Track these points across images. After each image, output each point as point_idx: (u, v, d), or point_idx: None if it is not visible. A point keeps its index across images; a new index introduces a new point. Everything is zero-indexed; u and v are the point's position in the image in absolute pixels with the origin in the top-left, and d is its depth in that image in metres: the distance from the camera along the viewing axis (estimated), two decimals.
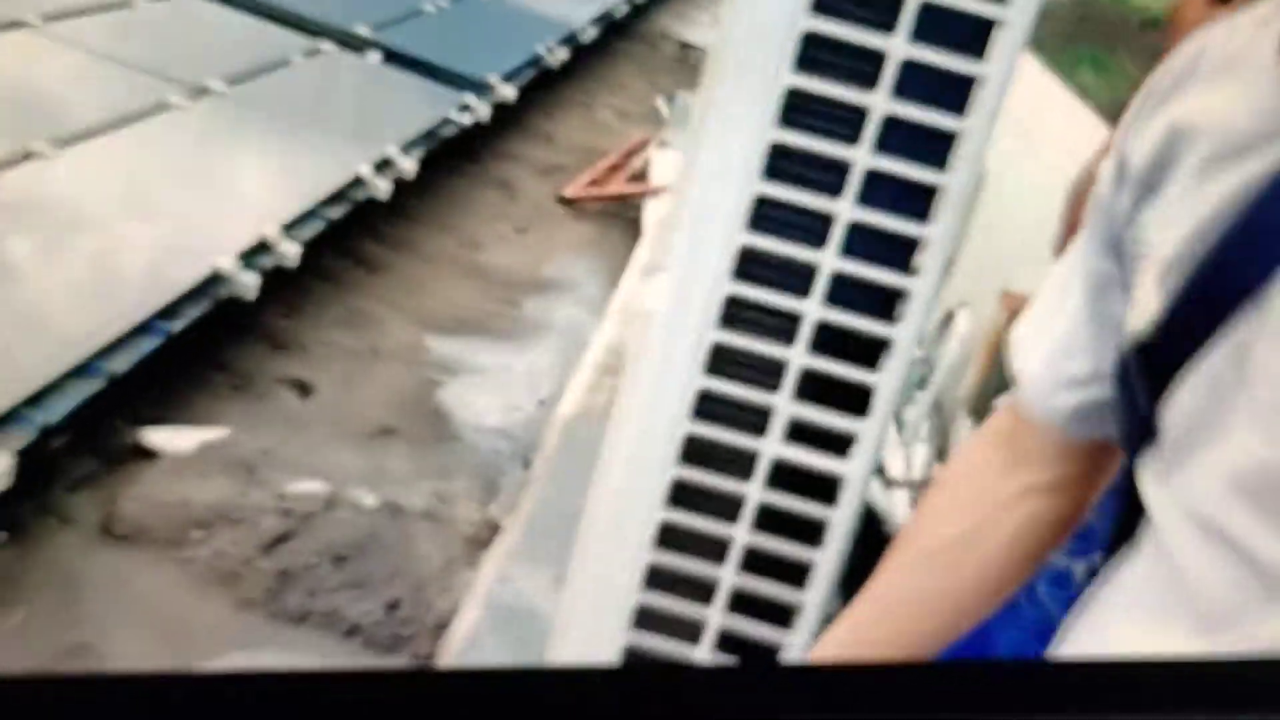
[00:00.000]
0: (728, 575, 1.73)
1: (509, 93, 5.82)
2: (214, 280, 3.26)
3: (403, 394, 3.66)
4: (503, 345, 4.14)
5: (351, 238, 4.30)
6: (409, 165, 4.50)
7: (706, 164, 1.59)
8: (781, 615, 1.74)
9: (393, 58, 5.41)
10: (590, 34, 7.60)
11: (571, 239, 5.29)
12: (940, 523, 1.03)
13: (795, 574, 1.72)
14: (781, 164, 1.56)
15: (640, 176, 5.95)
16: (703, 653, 1.76)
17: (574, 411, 3.44)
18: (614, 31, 8.51)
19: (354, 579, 2.69)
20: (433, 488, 3.14)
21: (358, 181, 4.18)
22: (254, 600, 2.63)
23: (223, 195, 3.67)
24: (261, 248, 3.49)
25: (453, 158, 5.31)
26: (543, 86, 6.69)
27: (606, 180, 5.90)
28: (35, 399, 2.60)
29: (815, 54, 1.50)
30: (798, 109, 1.53)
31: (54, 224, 3.20)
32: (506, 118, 5.97)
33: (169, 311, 3.09)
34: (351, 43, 5.33)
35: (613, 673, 0.65)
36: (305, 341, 3.76)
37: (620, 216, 5.58)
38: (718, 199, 1.61)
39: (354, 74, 5.10)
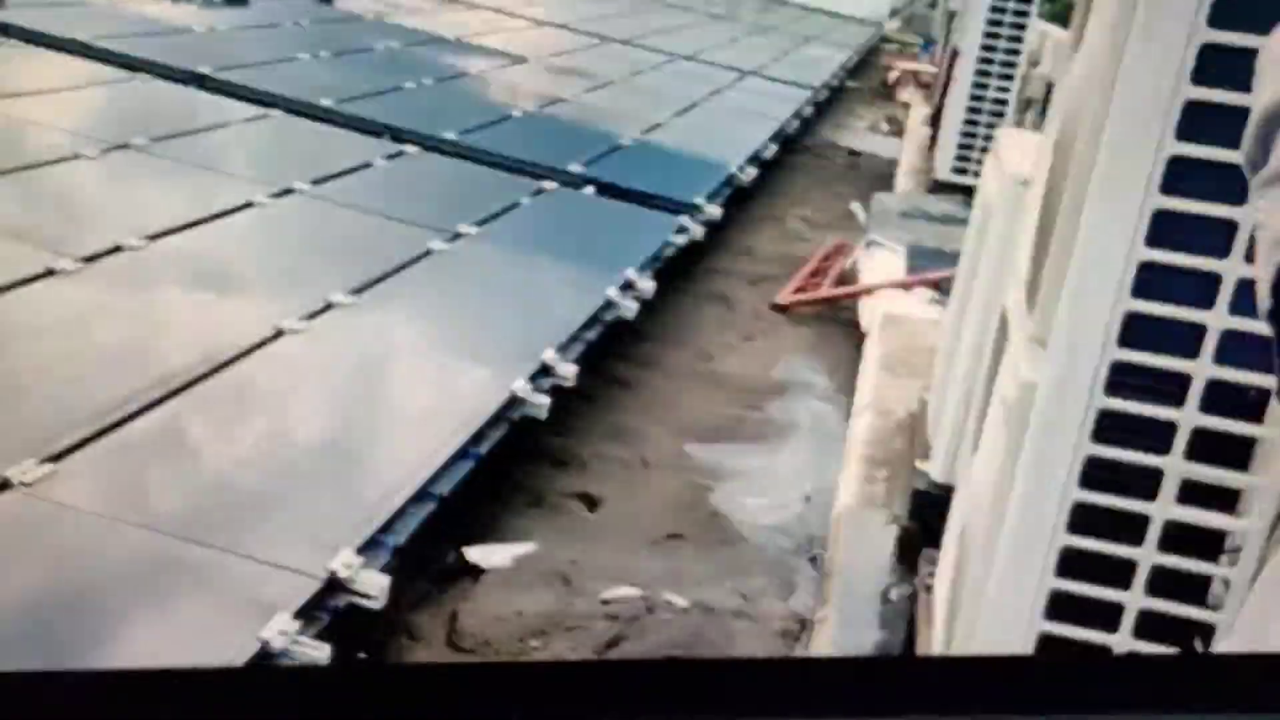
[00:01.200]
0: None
1: (716, 212, 6.07)
2: (511, 404, 3.49)
3: (679, 500, 3.81)
4: (757, 447, 4.28)
5: (603, 358, 4.53)
6: (648, 285, 4.73)
7: (1091, 234, 1.71)
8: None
9: (605, 189, 5.71)
10: (772, 150, 7.86)
11: (793, 343, 5.44)
12: None
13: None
14: (1165, 227, 1.67)
15: (845, 280, 6.10)
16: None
17: (852, 502, 3.53)
18: (787, 147, 8.79)
19: None
20: (733, 585, 3.26)
21: (608, 304, 4.41)
22: None
23: (500, 326, 3.93)
24: (544, 371, 3.72)
25: (672, 278, 5.56)
26: (735, 203, 6.95)
27: (813, 285, 6.06)
28: (386, 525, 2.82)
29: (1197, 121, 1.62)
30: (1179, 176, 1.65)
31: (369, 365, 3.48)
32: (710, 236, 6.22)
33: (476, 437, 3.32)
34: (569, 180, 5.65)
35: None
36: (584, 457, 3.96)
37: (832, 319, 5.73)
38: (1101, 266, 1.72)
39: (577, 207, 5.41)
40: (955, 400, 3.22)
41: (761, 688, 0.55)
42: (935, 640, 2.45)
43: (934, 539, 3.10)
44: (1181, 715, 0.54)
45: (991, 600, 1.93)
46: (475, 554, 3.27)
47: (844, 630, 2.88)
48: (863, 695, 0.54)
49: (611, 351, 4.67)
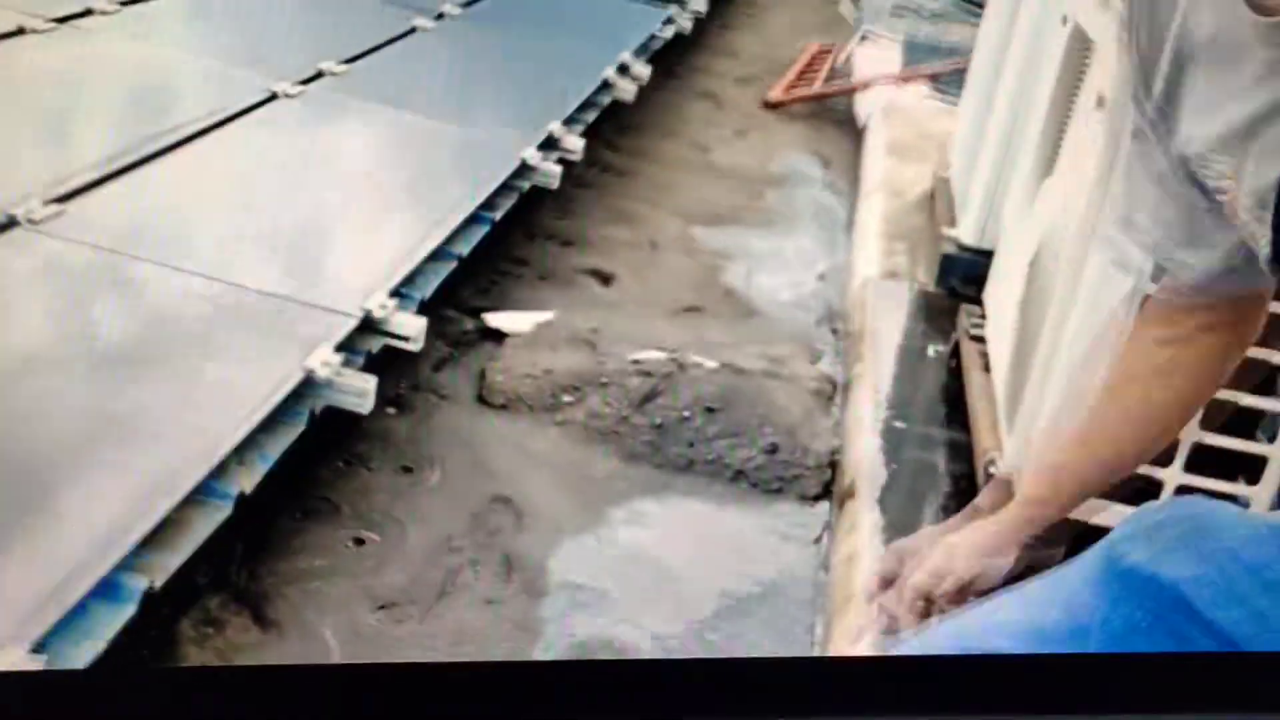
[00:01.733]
0: None
1: (702, 5, 5.85)
2: (521, 171, 3.35)
3: (692, 278, 3.72)
4: (763, 232, 4.19)
5: (599, 147, 4.37)
6: (644, 70, 4.55)
7: None
8: None
9: None
10: None
11: (788, 138, 5.30)
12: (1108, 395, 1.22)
13: None
14: None
15: (836, 77, 5.94)
16: None
17: (877, 273, 3.46)
18: None
19: (728, 429, 2.76)
20: (759, 351, 3.19)
21: (605, 84, 4.24)
22: (639, 453, 2.71)
23: (502, 100, 3.75)
24: (550, 143, 3.57)
25: (659, 75, 5.36)
26: (719, 2, 6.71)
27: (803, 84, 5.90)
28: (409, 279, 2.70)
29: None
30: None
31: (368, 132, 3.31)
32: (694, 37, 6.01)
33: (487, 204, 3.18)
34: None
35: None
36: (588, 238, 3.84)
37: (824, 115, 5.59)
38: None
39: None
40: (991, 160, 3.14)
41: (761, 688, 0.54)
42: (998, 381, 2.41)
43: (964, 300, 3.08)
44: (1182, 715, 0.54)
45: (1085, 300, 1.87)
46: (496, 319, 3.16)
47: (882, 384, 2.83)
48: (862, 696, 0.54)
49: (607, 141, 4.52)
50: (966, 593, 1.23)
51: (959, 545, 1.25)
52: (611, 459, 2.70)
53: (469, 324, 3.17)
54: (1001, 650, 1.14)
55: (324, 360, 2.16)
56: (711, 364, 3.04)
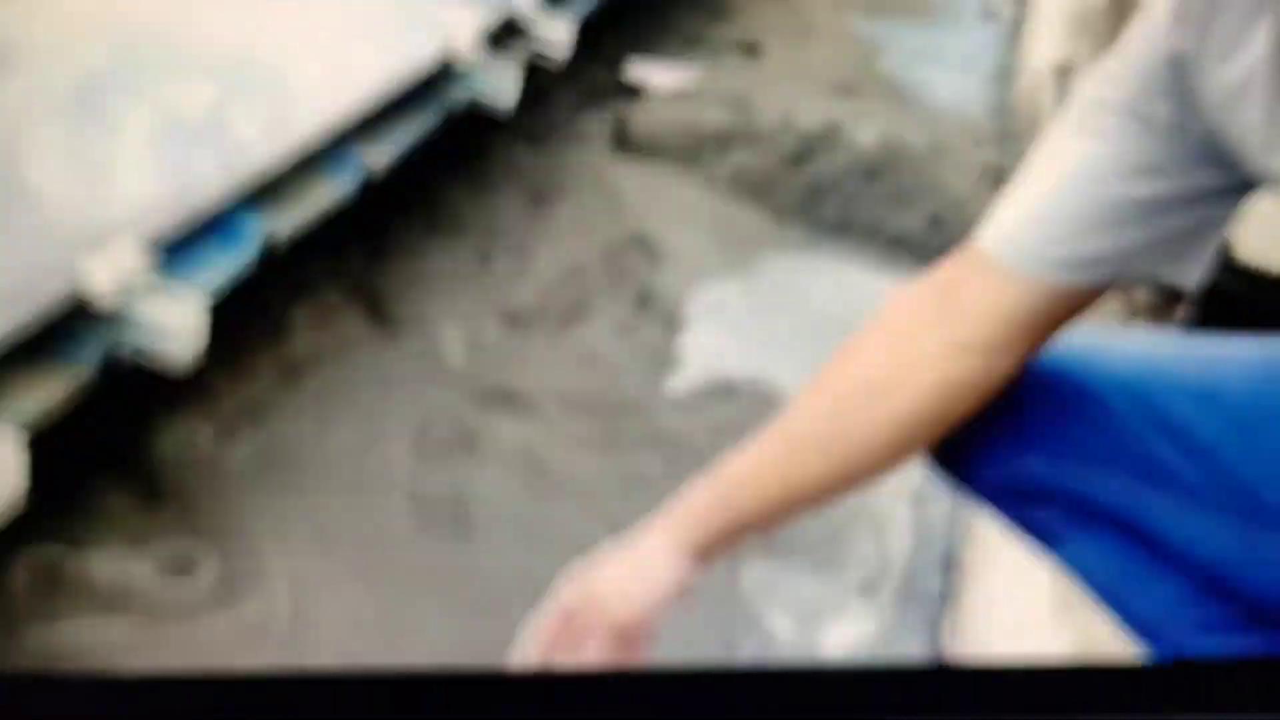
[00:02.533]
0: None
1: None
2: None
3: (847, 61, 3.44)
4: (922, 27, 3.88)
5: None
6: None
7: None
8: None
9: None
10: None
11: None
12: (857, 366, 0.99)
13: None
14: None
15: None
16: None
17: (1058, 63, 3.16)
18: None
19: (888, 193, 2.52)
20: (919, 128, 2.93)
21: None
22: (791, 209, 2.50)
23: None
24: None
25: None
26: None
27: None
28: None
29: None
30: None
31: None
32: None
33: None
34: None
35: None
36: (738, 10, 3.59)
37: None
38: None
39: None
40: None
41: (762, 695, 0.56)
42: None
43: None
44: (1183, 716, 0.54)
45: None
46: (638, 70, 2.94)
47: None
48: (862, 700, 0.55)
49: None
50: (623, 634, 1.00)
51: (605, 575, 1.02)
52: (759, 213, 2.49)
53: (608, 76, 2.95)
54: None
55: (466, 45, 1.96)
56: (870, 135, 2.80)
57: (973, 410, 0.98)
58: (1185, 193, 0.89)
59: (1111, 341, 1.07)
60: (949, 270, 0.97)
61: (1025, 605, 1.34)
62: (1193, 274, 0.92)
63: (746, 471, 1.00)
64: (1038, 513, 1.03)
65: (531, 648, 1.03)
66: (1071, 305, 0.94)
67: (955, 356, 0.95)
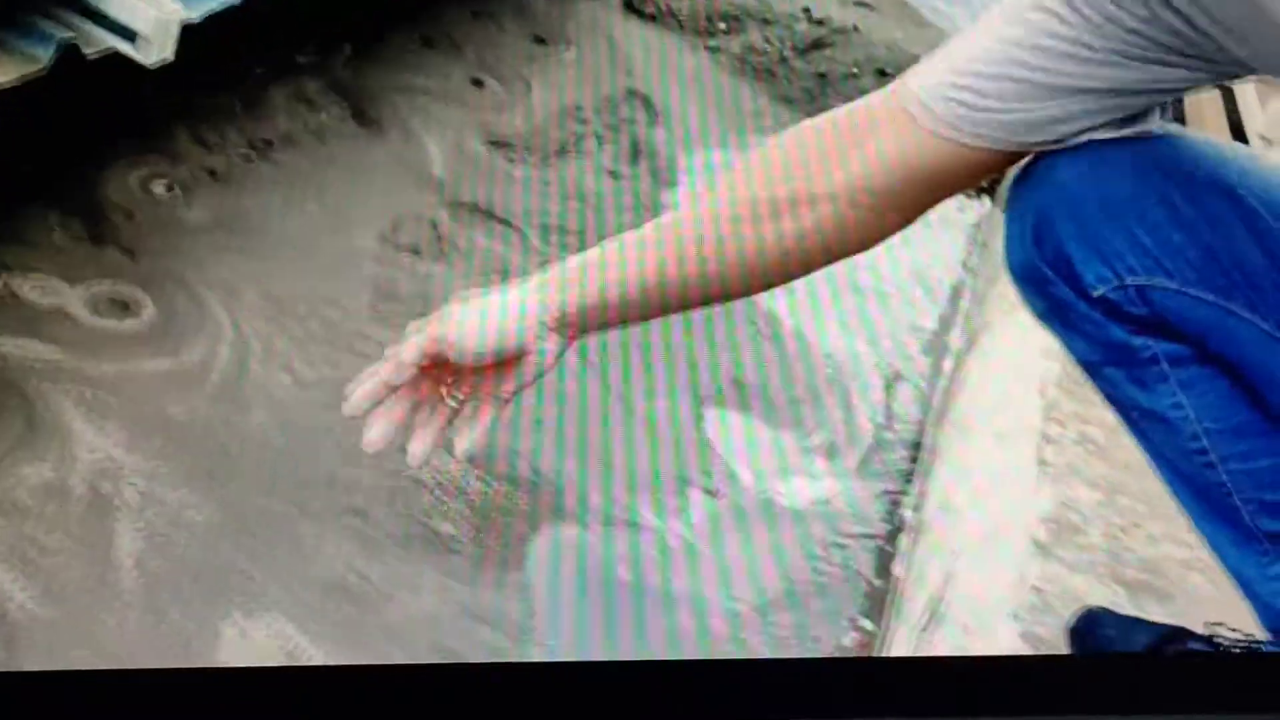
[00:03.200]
0: None
1: None
2: None
3: None
4: None
5: None
6: None
7: None
8: None
9: None
10: None
11: None
12: (759, 183, 0.96)
13: None
14: None
15: None
16: None
17: None
18: None
19: None
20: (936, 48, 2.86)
21: None
22: (794, 98, 2.41)
23: None
24: None
25: None
26: None
27: None
28: None
29: None
30: None
31: None
32: None
33: None
34: None
35: None
36: None
37: None
38: None
39: None
40: None
41: (762, 689, 0.55)
42: None
43: None
44: (1184, 715, 0.54)
45: None
46: None
47: None
48: (862, 696, 0.55)
49: None
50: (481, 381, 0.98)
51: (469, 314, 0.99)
52: (762, 97, 2.41)
53: None
54: None
55: None
56: (886, 39, 2.72)
57: (851, 254, 0.97)
58: (1137, 84, 0.86)
59: (1270, 164, 0.98)
60: (867, 110, 0.94)
61: (999, 469, 1.29)
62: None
63: (627, 251, 0.98)
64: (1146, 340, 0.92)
65: (368, 381, 1.00)
66: (980, 169, 0.91)
67: (852, 198, 0.93)
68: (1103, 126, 0.88)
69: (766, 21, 2.55)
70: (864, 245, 0.96)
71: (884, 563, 1.38)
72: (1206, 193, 0.89)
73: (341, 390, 1.32)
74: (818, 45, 2.50)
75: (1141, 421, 0.94)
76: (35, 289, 1.27)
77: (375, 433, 1.02)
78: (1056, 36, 0.86)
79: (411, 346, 1.00)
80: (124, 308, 1.30)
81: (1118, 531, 1.12)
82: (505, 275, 1.60)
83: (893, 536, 1.43)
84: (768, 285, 0.99)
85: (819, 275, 1.03)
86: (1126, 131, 0.89)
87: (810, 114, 2.49)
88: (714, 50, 2.49)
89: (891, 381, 1.68)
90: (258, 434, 1.21)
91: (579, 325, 0.98)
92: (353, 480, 1.21)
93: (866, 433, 1.58)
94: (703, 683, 0.57)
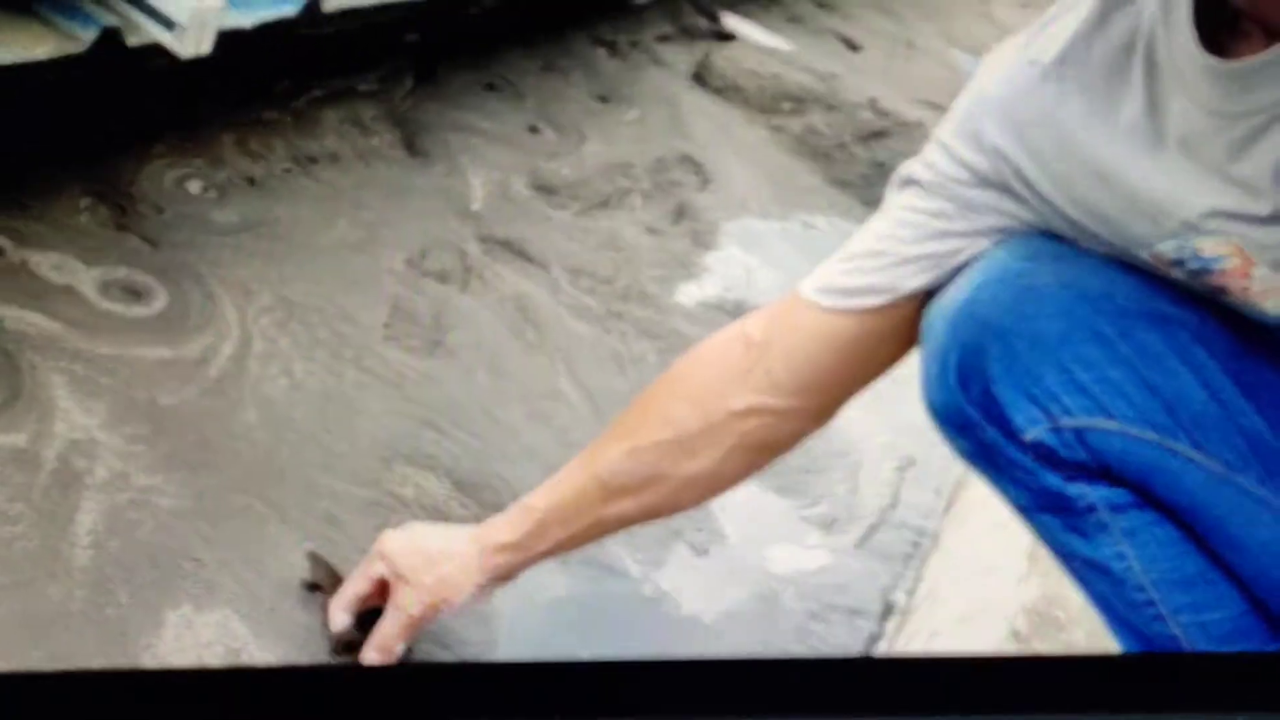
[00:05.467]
0: None
1: None
2: None
3: (940, 82, 3.35)
4: None
5: None
6: None
7: None
8: None
9: None
10: None
11: None
12: (665, 423, 1.01)
13: None
14: None
15: None
16: None
17: None
18: None
19: None
20: None
21: None
22: (850, 182, 2.41)
23: None
24: None
25: None
26: None
27: None
28: None
29: None
30: None
31: None
32: None
33: None
34: None
35: None
36: (846, 10, 3.51)
37: None
38: None
39: None
40: None
41: (763, 687, 0.56)
42: None
43: None
44: (1184, 715, 0.54)
45: None
46: (734, 22, 2.87)
47: None
48: (862, 695, 0.55)
49: None
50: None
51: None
52: (816, 176, 2.40)
53: (703, 21, 2.88)
54: None
55: None
56: None
57: (788, 448, 1.02)
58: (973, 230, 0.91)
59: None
60: (765, 325, 1.00)
61: (992, 558, 1.24)
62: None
63: (564, 507, 1.03)
64: (1085, 486, 0.87)
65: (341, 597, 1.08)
66: (875, 338, 0.95)
67: (759, 418, 0.98)
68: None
69: (831, 107, 2.56)
70: (796, 436, 1.01)
71: (869, 644, 1.33)
72: (1139, 324, 0.84)
73: (340, 401, 1.32)
74: (879, 135, 2.49)
75: (1083, 571, 0.88)
76: (52, 267, 1.29)
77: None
78: (918, 211, 0.94)
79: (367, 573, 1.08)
80: (136, 295, 1.31)
81: (1104, 636, 1.06)
82: (524, 311, 1.60)
83: (882, 618, 1.38)
84: (716, 495, 1.07)
85: None
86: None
87: (865, 201, 2.48)
88: (775, 129, 2.49)
89: (904, 466, 1.64)
90: (244, 431, 1.21)
91: (515, 575, 1.06)
92: (331, 490, 1.20)
93: (870, 512, 1.54)
94: (700, 681, 0.58)
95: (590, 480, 1.03)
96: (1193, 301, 0.87)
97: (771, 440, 1.00)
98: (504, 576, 1.05)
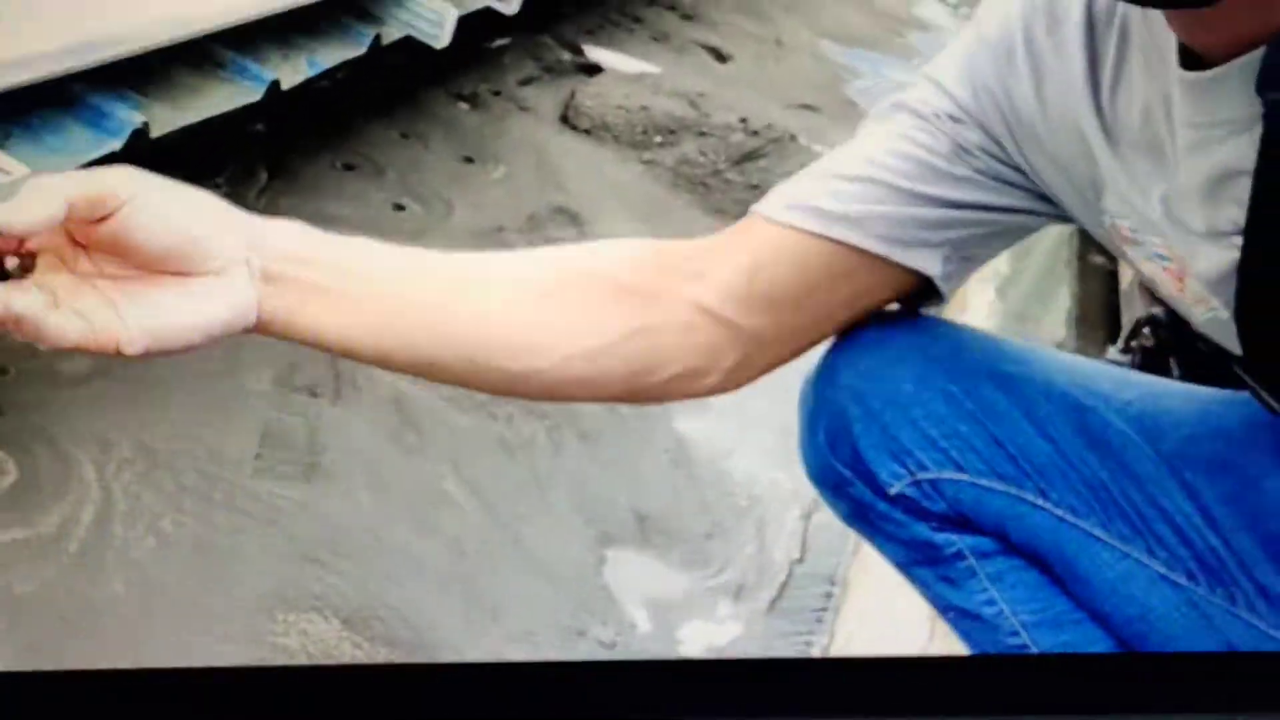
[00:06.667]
0: None
1: None
2: None
3: (814, 81, 3.36)
4: (898, 63, 3.81)
5: None
6: None
7: None
8: None
9: None
10: None
11: None
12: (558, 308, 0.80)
13: None
14: None
15: None
16: None
17: None
18: None
19: None
20: None
21: None
22: (726, 210, 2.38)
23: None
24: None
25: None
26: None
27: None
28: None
29: None
30: None
31: None
32: None
33: None
34: None
35: None
36: (712, 19, 3.49)
37: None
38: None
39: None
40: None
41: (763, 687, 0.56)
42: None
43: None
44: (1184, 715, 0.54)
45: None
46: (598, 54, 2.84)
47: None
48: (862, 695, 0.56)
49: None
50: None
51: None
52: (695, 209, 2.38)
53: (566, 55, 2.84)
54: None
55: None
56: (824, 149, 2.70)
57: (675, 391, 0.84)
58: (965, 201, 0.83)
59: (1046, 353, 0.98)
60: (683, 248, 0.85)
61: (902, 616, 1.23)
62: (931, 265, 0.83)
63: (392, 282, 0.78)
64: (947, 535, 0.89)
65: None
66: (820, 275, 0.82)
67: (707, 314, 0.81)
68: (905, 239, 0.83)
69: (703, 134, 2.54)
70: (723, 377, 0.83)
71: None
72: (985, 384, 0.87)
73: (213, 553, 1.27)
74: (752, 156, 2.48)
75: (960, 621, 0.90)
76: None
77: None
78: (911, 141, 0.83)
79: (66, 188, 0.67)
80: None
81: None
82: (403, 412, 1.56)
83: None
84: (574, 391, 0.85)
85: (734, 399, 0.98)
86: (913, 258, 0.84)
87: None
88: (649, 163, 2.47)
89: (810, 511, 1.62)
90: (109, 605, 1.16)
91: (272, 306, 0.73)
92: (210, 654, 1.16)
93: (780, 568, 1.53)
94: (680, 681, 0.58)
95: (445, 283, 0.80)
96: (1037, 360, 0.92)
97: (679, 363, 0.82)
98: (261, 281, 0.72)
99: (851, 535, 1.59)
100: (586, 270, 0.82)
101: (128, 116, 1.43)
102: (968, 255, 0.85)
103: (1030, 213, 0.85)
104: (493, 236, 2.04)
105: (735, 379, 0.84)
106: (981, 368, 0.89)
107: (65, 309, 0.67)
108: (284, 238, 0.75)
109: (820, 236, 0.81)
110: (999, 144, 0.82)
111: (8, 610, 1.11)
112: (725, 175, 2.44)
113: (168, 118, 1.51)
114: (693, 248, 0.85)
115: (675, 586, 1.44)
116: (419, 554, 1.36)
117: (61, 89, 1.40)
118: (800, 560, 1.53)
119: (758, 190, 2.45)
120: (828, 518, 1.64)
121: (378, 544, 1.35)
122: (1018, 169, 0.83)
